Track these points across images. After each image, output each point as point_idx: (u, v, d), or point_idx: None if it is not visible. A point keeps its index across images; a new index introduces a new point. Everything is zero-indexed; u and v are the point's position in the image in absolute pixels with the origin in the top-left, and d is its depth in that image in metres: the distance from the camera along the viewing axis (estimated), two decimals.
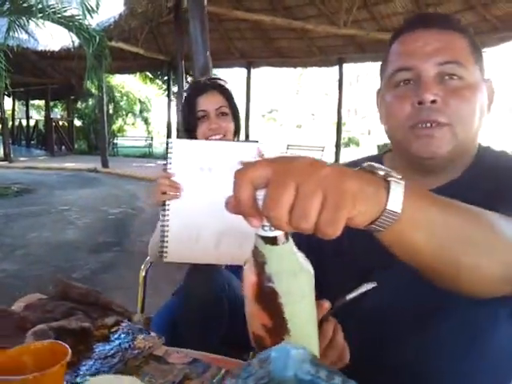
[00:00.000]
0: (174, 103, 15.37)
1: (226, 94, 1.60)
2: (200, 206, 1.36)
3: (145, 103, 20.23)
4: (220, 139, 1.52)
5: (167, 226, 1.36)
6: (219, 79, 1.66)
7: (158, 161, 15.41)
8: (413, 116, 0.78)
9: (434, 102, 0.76)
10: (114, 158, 14.18)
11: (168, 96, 14.73)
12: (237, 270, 1.54)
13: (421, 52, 0.78)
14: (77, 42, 8.47)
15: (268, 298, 0.51)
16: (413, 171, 0.84)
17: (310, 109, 32.04)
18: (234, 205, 0.49)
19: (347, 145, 18.51)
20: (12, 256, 4.40)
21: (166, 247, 1.35)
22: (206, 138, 1.51)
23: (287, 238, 0.50)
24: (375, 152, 15.67)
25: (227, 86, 1.63)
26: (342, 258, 0.89)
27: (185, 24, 8.49)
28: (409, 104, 0.79)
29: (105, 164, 12.16)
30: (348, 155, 15.26)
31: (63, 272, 3.94)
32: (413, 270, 0.58)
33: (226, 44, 12.07)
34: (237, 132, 1.61)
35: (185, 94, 1.69)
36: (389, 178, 0.49)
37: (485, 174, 0.81)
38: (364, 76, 34.01)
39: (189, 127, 1.56)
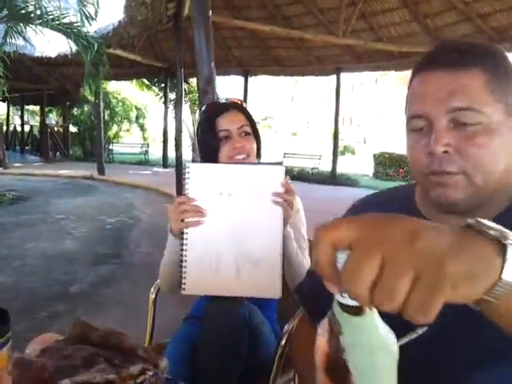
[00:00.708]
0: (170, 110, 15.34)
1: (247, 113, 1.55)
2: (219, 234, 1.31)
3: (141, 110, 20.19)
4: (244, 159, 1.46)
5: (185, 256, 1.30)
6: (236, 99, 1.60)
7: (153, 168, 15.35)
8: (426, 165, 0.75)
9: (445, 152, 0.72)
10: (109, 164, 14.07)
11: (165, 103, 14.69)
12: (257, 301, 1.50)
13: (432, 98, 0.73)
14: (74, 48, 8.41)
15: (338, 373, 0.46)
16: (438, 210, 0.80)
17: (305, 116, 32.11)
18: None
19: (343, 153, 18.53)
20: (8, 268, 4.30)
21: (185, 278, 1.30)
22: (230, 158, 1.44)
23: (370, 309, 0.44)
24: (371, 160, 15.75)
25: (245, 105, 1.58)
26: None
27: (184, 32, 8.48)
28: (422, 153, 0.75)
29: (101, 171, 12.06)
30: (344, 163, 15.28)
31: (61, 285, 3.84)
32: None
33: (223, 52, 12.05)
34: (258, 152, 1.54)
35: (201, 116, 1.62)
36: (505, 241, 0.41)
37: None
38: (359, 85, 34.19)
39: (209, 149, 1.48)
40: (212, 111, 1.55)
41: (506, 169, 0.73)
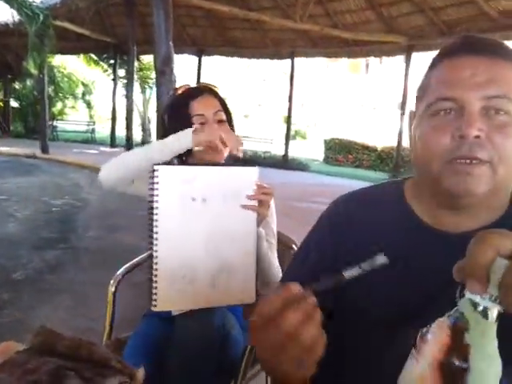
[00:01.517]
0: (119, 87, 14.80)
1: (221, 100, 1.47)
2: (194, 243, 1.20)
3: (88, 86, 19.34)
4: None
5: (156, 270, 1.17)
6: (211, 84, 1.52)
7: (100, 147, 14.81)
8: (452, 150, 0.71)
9: (477, 137, 0.69)
10: (53, 142, 13.41)
11: (114, 80, 14.15)
12: (233, 308, 1.44)
13: (468, 82, 0.70)
14: (17, 18, 7.86)
15: (455, 369, 0.46)
16: (440, 206, 0.78)
17: (258, 99, 32.04)
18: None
19: (293, 137, 18.65)
20: None
21: (156, 294, 1.18)
22: (205, 147, 1.35)
23: (497, 319, 0.46)
24: (322, 145, 15.95)
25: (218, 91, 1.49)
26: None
27: (136, 7, 8.15)
28: (448, 136, 0.71)
29: (44, 149, 11.48)
30: (295, 148, 15.39)
31: (3, 271, 3.62)
32: None
33: (177, 30, 11.66)
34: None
35: (171, 99, 1.52)
36: None
37: None
38: (311, 70, 34.40)
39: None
40: (185, 94, 1.45)
41: None
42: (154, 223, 1.17)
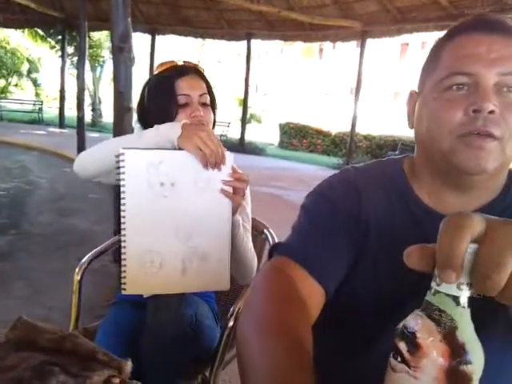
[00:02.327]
0: (68, 65, 14.17)
1: (206, 81, 1.39)
2: (163, 228, 1.17)
3: (34, 63, 18.36)
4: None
5: (124, 253, 1.16)
6: (196, 64, 1.44)
7: (49, 128, 14.20)
8: (465, 124, 0.71)
9: (491, 112, 0.70)
10: None
11: (62, 57, 13.48)
12: (204, 294, 1.41)
13: (484, 58, 0.71)
14: None
15: (462, 372, 0.42)
16: (444, 186, 0.79)
17: (212, 81, 31.67)
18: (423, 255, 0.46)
19: (249, 121, 18.58)
20: None
21: (125, 277, 1.17)
22: None
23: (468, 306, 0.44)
24: (277, 129, 16.01)
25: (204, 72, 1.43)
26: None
27: None
28: (461, 110, 0.72)
29: None
30: (250, 132, 15.36)
31: None
32: None
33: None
34: (214, 126, 1.41)
35: (154, 76, 1.41)
36: None
37: None
38: (265, 53, 34.28)
39: (162, 115, 1.29)
40: (171, 71, 1.36)
41: None
42: (122, 207, 1.14)
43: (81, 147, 7.59)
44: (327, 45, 30.08)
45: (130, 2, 3.28)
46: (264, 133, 17.88)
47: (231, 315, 1.31)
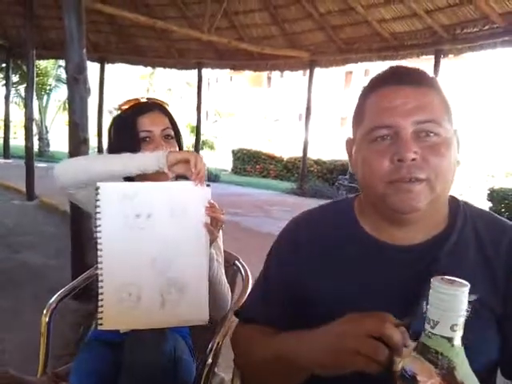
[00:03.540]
0: (12, 94, 13.72)
1: (170, 116, 1.44)
2: (140, 260, 1.17)
3: None
4: None
5: (101, 287, 1.15)
6: (160, 100, 1.48)
7: None
8: (392, 172, 0.79)
9: (413, 159, 0.78)
10: None
11: (6, 86, 12.99)
12: (179, 329, 1.40)
13: (400, 110, 0.80)
14: None
15: None
16: (386, 222, 0.87)
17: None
18: None
19: (201, 148, 18.57)
20: None
21: (102, 312, 1.15)
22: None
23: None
24: (230, 155, 16.09)
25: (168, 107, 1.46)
26: None
27: (35, 8, 7.61)
28: (387, 160, 0.80)
29: None
30: (205, 158, 15.31)
31: None
32: None
33: None
34: None
35: (118, 114, 1.46)
36: None
37: (480, 240, 0.86)
38: (215, 81, 34.66)
39: (125, 151, 1.30)
40: (132, 109, 1.41)
41: (451, 181, 0.83)
42: (98, 240, 1.15)
43: (30, 178, 7.32)
44: (275, 73, 30.85)
45: (84, 32, 3.27)
46: (217, 159, 17.92)
47: (209, 352, 1.30)
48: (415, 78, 0.82)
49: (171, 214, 1.18)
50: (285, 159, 14.84)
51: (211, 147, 23.31)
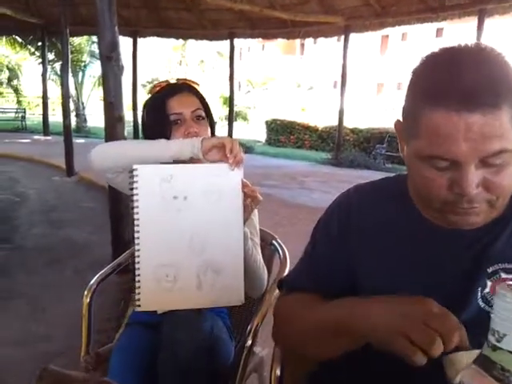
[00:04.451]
0: (49, 71, 13.99)
1: (200, 96, 1.42)
2: (177, 242, 1.18)
3: (14, 71, 18.07)
4: None
5: (138, 268, 1.16)
6: (190, 80, 1.45)
7: (33, 136, 14.00)
8: (451, 201, 0.74)
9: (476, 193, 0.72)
10: None
11: (43, 64, 13.26)
12: (217, 309, 1.40)
13: (464, 141, 0.68)
14: None
15: None
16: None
17: (196, 81, 31.47)
18: None
19: (235, 119, 18.55)
20: None
21: (139, 293, 1.16)
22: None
23: None
24: (263, 126, 15.94)
25: (199, 87, 1.43)
26: None
27: None
28: (445, 189, 0.74)
29: None
30: (237, 130, 15.30)
31: None
32: None
33: None
34: None
35: (149, 98, 1.45)
36: None
37: None
38: (247, 51, 34.19)
39: (157, 135, 1.31)
40: (162, 92, 1.40)
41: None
42: (136, 222, 1.16)
43: (69, 154, 7.51)
44: (309, 40, 30.14)
45: (115, 10, 3.25)
46: (251, 130, 17.84)
47: (249, 333, 1.30)
48: (487, 96, 0.66)
49: (207, 196, 1.19)
50: (320, 129, 14.59)
51: (244, 118, 23.19)
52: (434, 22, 8.64)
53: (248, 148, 12.76)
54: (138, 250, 1.16)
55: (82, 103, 16.78)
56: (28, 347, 2.38)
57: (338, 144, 11.19)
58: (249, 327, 1.32)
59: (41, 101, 14.23)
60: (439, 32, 23.58)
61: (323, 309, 0.82)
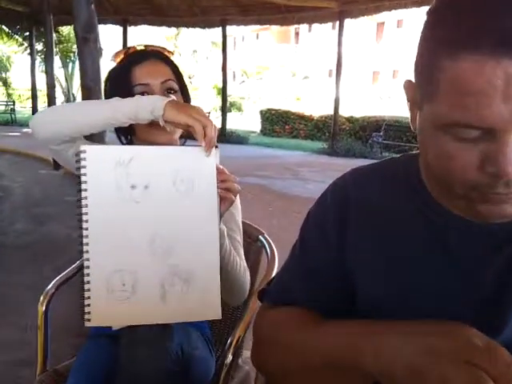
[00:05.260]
0: (38, 62, 13.67)
1: (173, 66, 1.18)
2: (135, 241, 0.94)
3: (2, 62, 17.73)
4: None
5: (88, 273, 0.92)
6: (161, 47, 1.22)
7: (23, 128, 13.73)
8: (481, 183, 0.54)
9: None
10: None
11: (31, 54, 12.93)
12: (194, 325, 1.19)
13: (500, 104, 0.48)
14: None
15: None
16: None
17: (188, 71, 31.17)
18: None
19: (229, 110, 18.30)
20: None
21: (89, 305, 0.92)
22: (149, 125, 1.06)
23: None
24: (258, 116, 15.73)
25: (172, 56, 1.20)
26: None
27: None
28: (475, 167, 0.53)
29: None
30: (231, 120, 15.07)
31: None
32: None
33: None
34: None
35: (112, 67, 1.21)
36: None
37: None
38: (241, 40, 33.82)
39: None
40: (127, 59, 1.16)
41: None
42: (84, 217, 0.91)
43: None
44: (303, 29, 29.84)
45: None
46: (245, 121, 17.58)
47: (228, 347, 1.09)
48: None
49: (174, 186, 0.95)
50: (315, 118, 14.38)
51: (239, 109, 22.93)
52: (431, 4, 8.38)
53: (242, 139, 12.54)
54: (87, 252, 0.92)
55: (73, 94, 16.50)
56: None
57: (334, 133, 10.98)
58: (229, 340, 1.11)
59: (30, 93, 13.94)
60: None
61: (318, 333, 0.63)
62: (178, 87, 1.18)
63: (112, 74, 1.21)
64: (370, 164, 0.77)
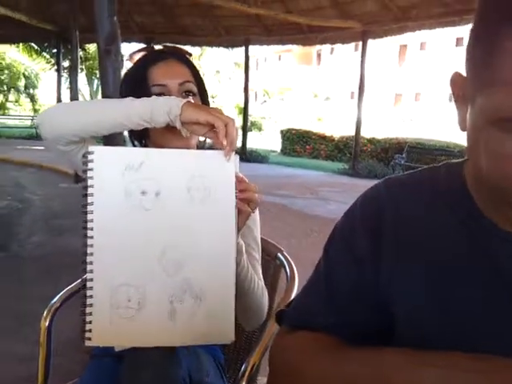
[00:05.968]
0: (64, 79, 13.96)
1: (192, 67, 1.11)
2: (143, 253, 0.86)
3: (30, 78, 18.20)
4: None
5: (91, 287, 0.84)
6: (181, 48, 1.16)
7: None
8: None
9: None
10: None
11: (58, 71, 13.24)
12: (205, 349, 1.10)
13: None
14: None
15: None
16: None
17: (211, 91, 31.65)
18: None
19: (250, 129, 18.37)
20: None
21: (90, 322, 0.84)
22: (165, 129, 0.98)
23: None
24: (279, 136, 15.72)
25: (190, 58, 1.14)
26: None
27: None
28: None
29: None
30: (252, 139, 15.09)
31: None
32: None
33: (123, 17, 11.01)
34: None
35: (126, 66, 1.15)
36: None
37: None
38: (263, 61, 34.17)
39: None
40: (143, 59, 1.09)
41: None
42: (88, 224, 0.84)
43: None
44: (325, 50, 30.03)
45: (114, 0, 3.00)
46: (265, 140, 17.58)
47: (243, 375, 0.99)
48: None
49: (188, 193, 0.87)
50: (336, 139, 14.28)
51: (259, 128, 23.03)
52: (456, 25, 8.28)
53: (263, 158, 12.51)
54: (91, 264, 0.84)
55: None
56: (8, 369, 2.11)
57: (355, 154, 10.85)
58: (243, 367, 1.00)
59: None
60: (459, 41, 23.09)
61: (343, 363, 0.55)
62: (197, 90, 1.10)
63: (128, 74, 1.15)
64: (405, 173, 0.68)
